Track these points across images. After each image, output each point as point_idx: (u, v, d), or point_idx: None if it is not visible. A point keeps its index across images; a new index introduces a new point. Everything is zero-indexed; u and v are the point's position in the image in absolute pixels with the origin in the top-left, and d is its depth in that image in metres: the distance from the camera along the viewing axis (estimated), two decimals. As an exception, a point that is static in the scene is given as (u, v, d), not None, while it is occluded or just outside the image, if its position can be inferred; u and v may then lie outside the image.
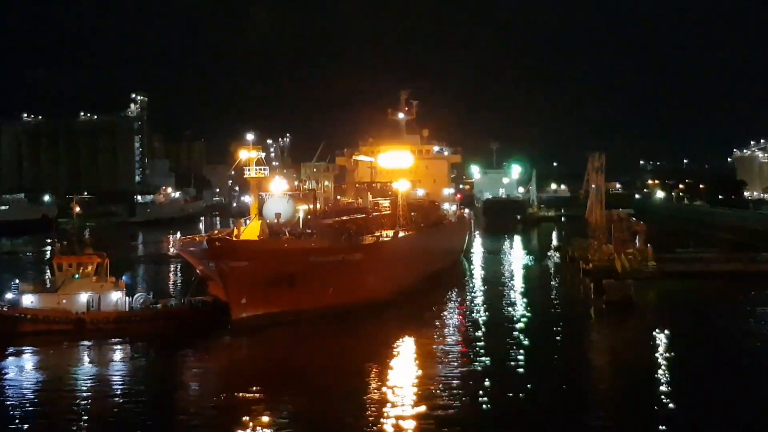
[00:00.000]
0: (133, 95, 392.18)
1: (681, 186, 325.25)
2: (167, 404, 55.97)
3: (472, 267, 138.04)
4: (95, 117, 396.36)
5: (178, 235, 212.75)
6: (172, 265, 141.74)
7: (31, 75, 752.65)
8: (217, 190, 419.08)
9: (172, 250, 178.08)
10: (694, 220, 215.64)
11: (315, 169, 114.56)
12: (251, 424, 50.57)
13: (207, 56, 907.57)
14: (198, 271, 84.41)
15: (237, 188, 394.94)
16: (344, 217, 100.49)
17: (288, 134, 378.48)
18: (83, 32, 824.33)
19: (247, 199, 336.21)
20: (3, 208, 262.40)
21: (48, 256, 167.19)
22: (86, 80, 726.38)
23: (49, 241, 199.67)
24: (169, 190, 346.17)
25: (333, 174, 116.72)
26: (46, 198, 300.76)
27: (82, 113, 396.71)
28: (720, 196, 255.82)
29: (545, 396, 56.18)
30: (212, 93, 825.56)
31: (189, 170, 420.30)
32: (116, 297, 79.04)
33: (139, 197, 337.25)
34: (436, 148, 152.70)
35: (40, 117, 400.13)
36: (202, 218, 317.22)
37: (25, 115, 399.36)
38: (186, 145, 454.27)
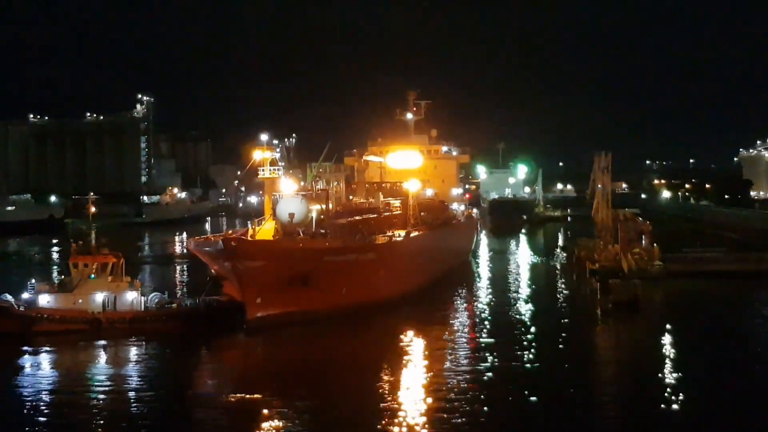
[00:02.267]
0: (139, 96, 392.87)
1: (687, 186, 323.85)
2: (183, 403, 56.35)
3: (480, 267, 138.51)
4: (101, 117, 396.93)
5: (185, 235, 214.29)
6: (183, 265, 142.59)
7: (37, 76, 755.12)
8: (224, 190, 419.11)
9: (182, 249, 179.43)
10: (701, 220, 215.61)
11: (327, 170, 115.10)
12: (266, 423, 51.09)
13: (213, 56, 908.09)
14: (213, 270, 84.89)
15: (243, 189, 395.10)
16: (356, 217, 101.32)
17: (294, 134, 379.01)
18: (89, 33, 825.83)
19: (253, 199, 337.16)
20: (10, 208, 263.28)
21: (55, 256, 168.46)
22: (92, 81, 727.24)
23: (55, 241, 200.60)
24: (176, 190, 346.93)
25: (344, 174, 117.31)
26: (53, 198, 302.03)
27: (89, 114, 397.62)
28: (726, 196, 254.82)
29: (553, 396, 56.38)
30: (218, 93, 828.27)
31: (195, 171, 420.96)
32: (132, 297, 79.56)
33: (145, 198, 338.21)
34: (444, 148, 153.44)
35: (47, 118, 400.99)
36: (209, 218, 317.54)
37: (32, 115, 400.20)
38: (192, 145, 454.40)
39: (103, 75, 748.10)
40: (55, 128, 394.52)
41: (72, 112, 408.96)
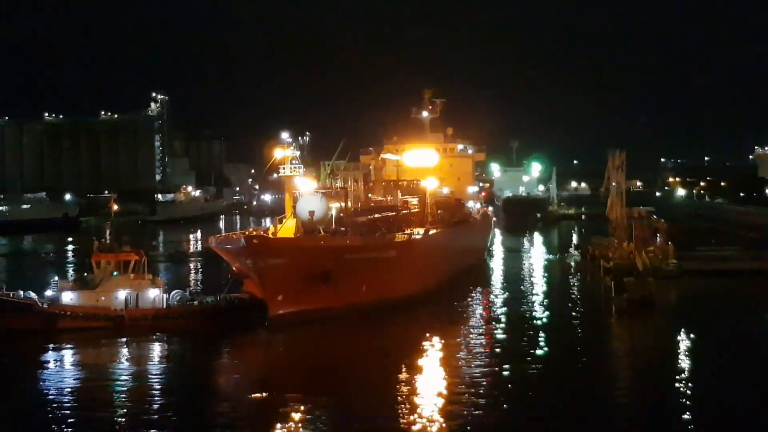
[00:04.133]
0: (154, 94, 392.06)
1: (702, 184, 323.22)
2: (204, 400, 56.97)
3: (495, 265, 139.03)
4: (116, 116, 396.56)
5: (199, 233, 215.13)
6: (197, 263, 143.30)
7: (52, 75, 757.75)
8: (237, 188, 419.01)
9: (197, 247, 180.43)
10: (716, 218, 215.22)
11: (341, 168, 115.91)
12: (287, 419, 51.60)
13: (227, 55, 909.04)
14: (234, 268, 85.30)
15: (257, 187, 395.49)
16: (376, 215, 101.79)
17: (307, 133, 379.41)
18: (104, 32, 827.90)
19: (267, 197, 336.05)
20: (25, 206, 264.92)
21: (70, 254, 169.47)
22: (107, 80, 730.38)
23: (70, 239, 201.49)
24: (190, 188, 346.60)
25: (362, 173, 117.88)
26: (68, 197, 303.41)
27: (103, 112, 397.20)
28: (741, 194, 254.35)
29: (568, 394, 56.85)
30: (232, 92, 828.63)
31: (209, 169, 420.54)
32: (154, 294, 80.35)
33: (159, 196, 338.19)
34: (459, 146, 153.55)
35: (61, 116, 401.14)
36: (222, 217, 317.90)
37: (47, 114, 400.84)
38: (206, 143, 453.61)
39: (117, 74, 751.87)
40: (70, 127, 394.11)
41: (86, 110, 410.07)
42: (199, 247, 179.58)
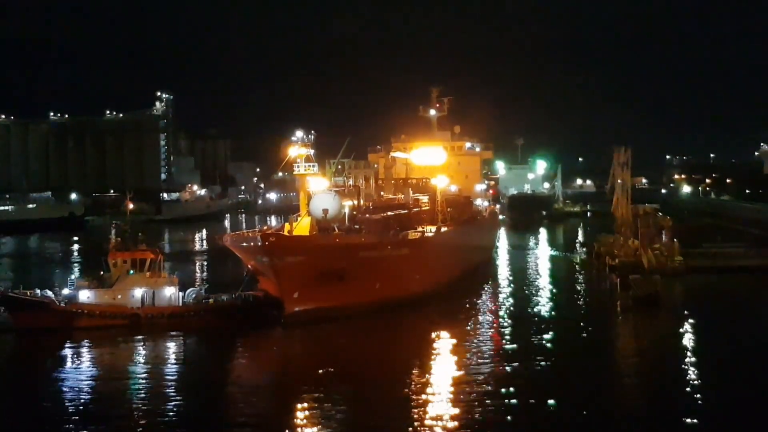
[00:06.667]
0: (159, 93, 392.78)
1: (707, 180, 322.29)
2: (220, 397, 57.70)
3: (502, 263, 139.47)
4: (121, 115, 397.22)
5: (205, 232, 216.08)
6: (205, 262, 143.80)
7: (57, 75, 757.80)
8: (243, 187, 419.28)
9: (203, 246, 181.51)
10: (721, 215, 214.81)
11: (345, 166, 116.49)
12: (303, 416, 52.52)
13: (232, 54, 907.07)
14: (249, 266, 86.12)
15: (262, 185, 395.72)
16: (388, 213, 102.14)
17: (312, 131, 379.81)
18: (109, 31, 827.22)
19: (272, 196, 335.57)
20: (31, 206, 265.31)
21: (76, 253, 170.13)
22: (112, 79, 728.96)
23: (76, 238, 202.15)
24: (195, 187, 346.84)
25: (374, 171, 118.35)
26: (73, 196, 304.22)
27: (108, 112, 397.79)
28: (747, 191, 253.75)
29: (574, 393, 57.00)
30: (237, 91, 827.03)
31: (214, 168, 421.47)
32: (170, 292, 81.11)
33: (165, 195, 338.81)
34: (467, 145, 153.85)
35: (67, 116, 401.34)
36: (228, 216, 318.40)
37: (52, 114, 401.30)
38: (211, 142, 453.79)
39: (122, 73, 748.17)
40: (75, 126, 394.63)
41: (92, 110, 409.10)
42: (206, 246, 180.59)
